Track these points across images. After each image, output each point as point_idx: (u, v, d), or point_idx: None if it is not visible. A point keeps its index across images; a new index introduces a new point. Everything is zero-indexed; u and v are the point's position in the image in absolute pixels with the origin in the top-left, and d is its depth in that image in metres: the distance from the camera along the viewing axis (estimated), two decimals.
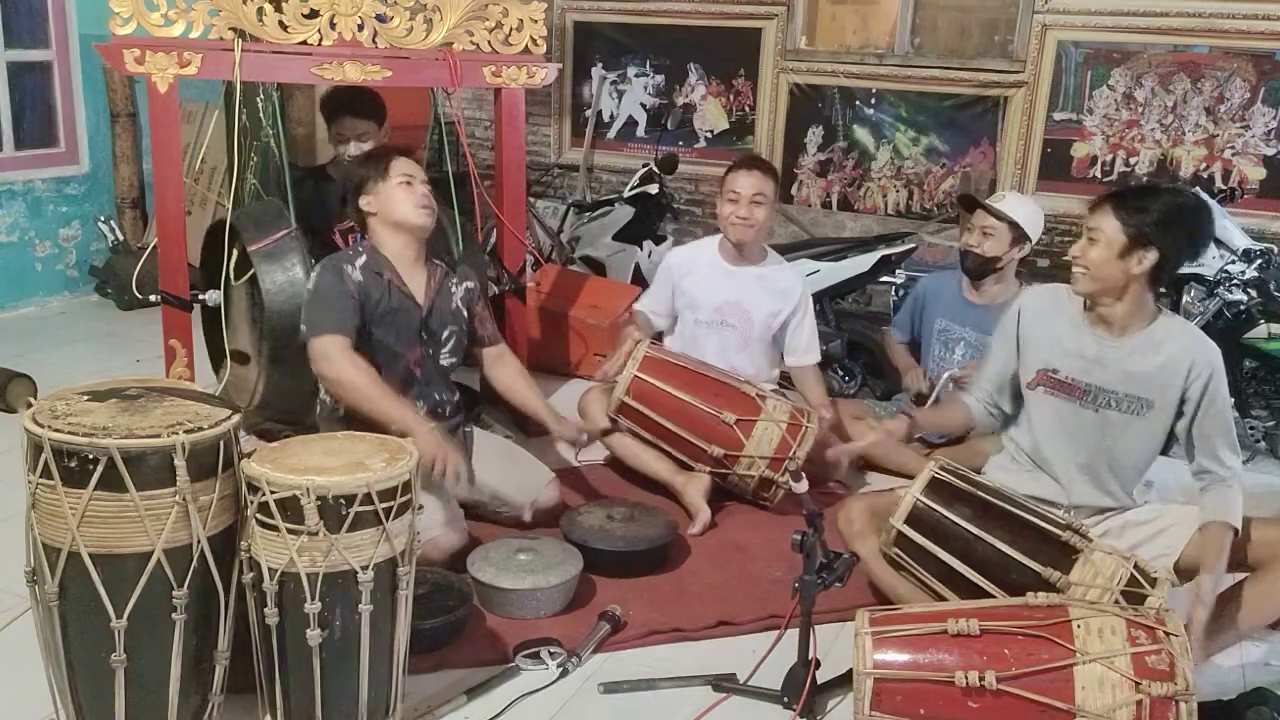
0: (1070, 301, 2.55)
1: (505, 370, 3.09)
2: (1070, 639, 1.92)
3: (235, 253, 3.22)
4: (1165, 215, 2.35)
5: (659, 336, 3.55)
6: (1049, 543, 2.29)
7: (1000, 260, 3.45)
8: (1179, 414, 2.45)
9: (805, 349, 3.47)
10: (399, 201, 2.79)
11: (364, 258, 2.80)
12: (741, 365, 3.39)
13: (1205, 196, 4.02)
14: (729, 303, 3.39)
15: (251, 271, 3.17)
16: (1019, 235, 3.42)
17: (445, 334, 2.92)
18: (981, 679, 1.89)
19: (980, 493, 2.38)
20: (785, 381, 3.65)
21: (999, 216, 3.40)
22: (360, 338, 2.71)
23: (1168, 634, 1.92)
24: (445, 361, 2.94)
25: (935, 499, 2.36)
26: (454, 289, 2.95)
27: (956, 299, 3.59)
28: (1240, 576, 2.40)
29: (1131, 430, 2.48)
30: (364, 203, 2.83)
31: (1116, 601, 2.14)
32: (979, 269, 3.48)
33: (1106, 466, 2.52)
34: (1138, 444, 2.49)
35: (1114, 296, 2.43)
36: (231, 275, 3.24)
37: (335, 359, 2.61)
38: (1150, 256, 2.36)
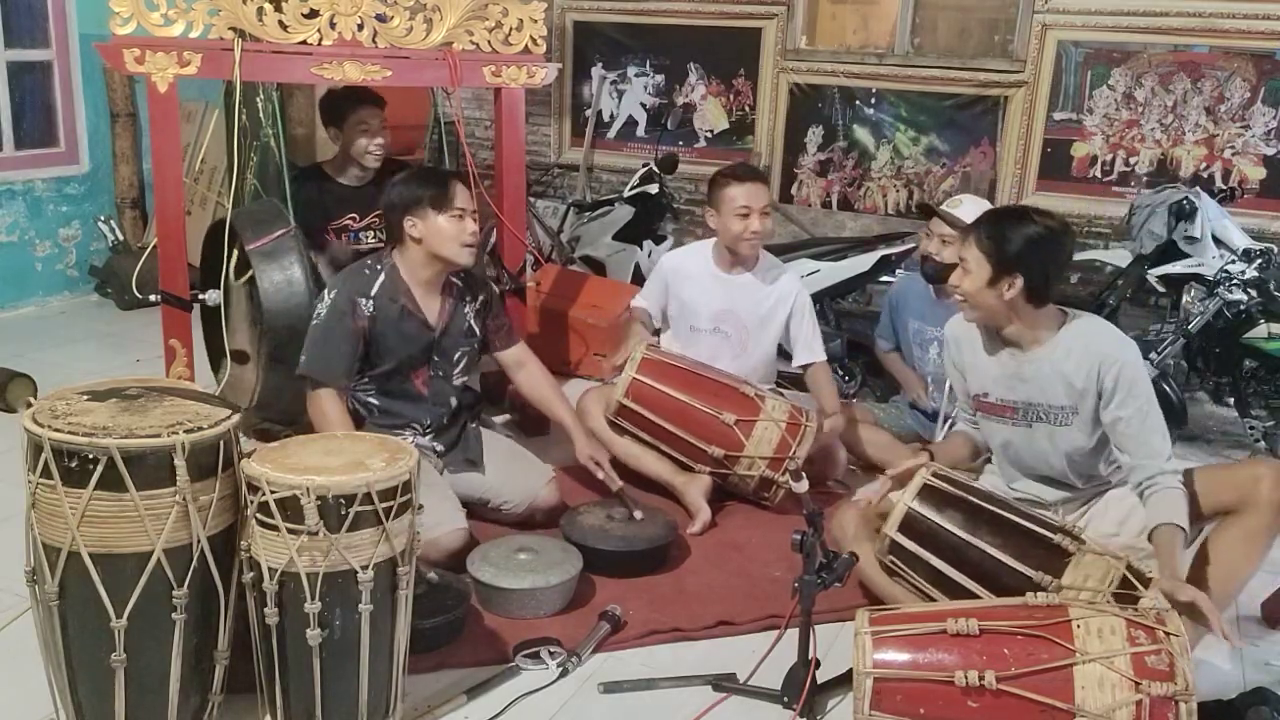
0: (981, 327, 2.56)
1: (531, 378, 3.08)
2: (1070, 639, 1.92)
3: (236, 252, 3.22)
4: (1025, 243, 2.36)
5: (655, 334, 3.55)
6: (1040, 546, 2.28)
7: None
8: (1102, 411, 2.42)
9: (808, 346, 3.44)
10: (449, 238, 2.74)
11: (380, 282, 2.76)
12: (737, 373, 3.36)
13: (1206, 196, 4.06)
14: (724, 311, 3.37)
15: (251, 271, 3.16)
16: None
17: (457, 355, 2.92)
18: (981, 679, 1.89)
19: (971, 497, 2.38)
20: (783, 381, 3.64)
21: (953, 224, 3.36)
22: (366, 360, 2.78)
23: (1168, 634, 1.92)
24: (458, 381, 2.95)
25: (927, 506, 2.36)
26: (467, 309, 2.93)
27: (924, 299, 3.58)
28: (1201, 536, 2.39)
29: (1065, 437, 2.48)
30: (409, 224, 2.74)
31: (1109, 603, 2.14)
32: (938, 275, 3.43)
33: (1062, 470, 2.53)
34: (1075, 448, 2.49)
35: (1004, 320, 2.45)
36: (232, 275, 3.24)
37: (325, 409, 2.67)
38: (1017, 283, 2.37)
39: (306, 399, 2.72)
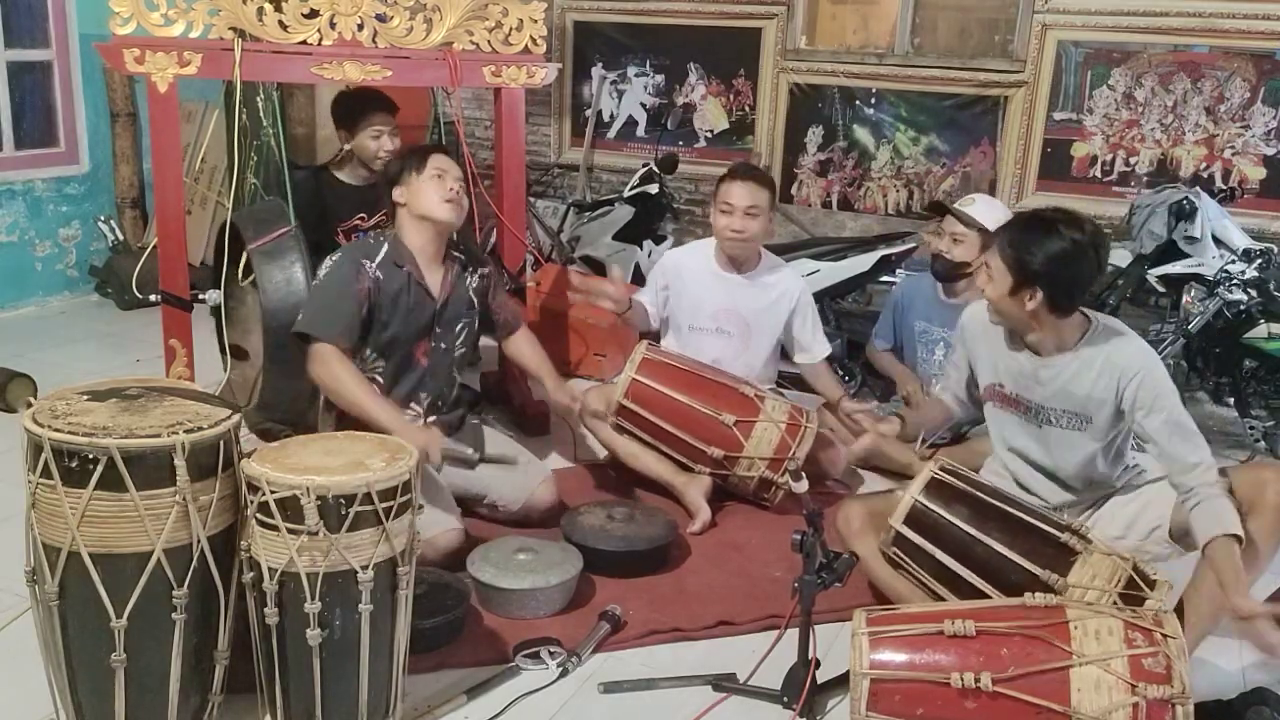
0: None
1: (519, 342, 3.13)
2: (1067, 640, 1.92)
3: (245, 255, 3.22)
4: (1047, 258, 2.31)
5: (656, 337, 3.55)
6: (1047, 544, 2.28)
7: (970, 265, 3.39)
8: (1122, 420, 2.41)
9: (811, 346, 3.45)
10: (427, 195, 2.79)
11: (385, 249, 2.80)
12: (738, 372, 3.36)
13: (1206, 196, 4.06)
14: (725, 310, 3.37)
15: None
16: (989, 240, 3.39)
17: (459, 326, 2.93)
18: (977, 680, 1.89)
19: (979, 493, 2.38)
20: (784, 381, 3.64)
21: (967, 223, 3.36)
22: (367, 329, 2.76)
23: (1165, 636, 1.91)
24: (458, 352, 2.96)
25: (934, 500, 2.36)
26: (469, 280, 2.96)
27: (932, 300, 3.57)
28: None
29: (1075, 444, 2.47)
30: (396, 194, 2.84)
31: (1114, 603, 2.14)
32: (948, 274, 3.45)
33: (1067, 473, 2.53)
34: (1085, 454, 2.48)
35: (1026, 328, 2.43)
36: (239, 276, 3.24)
37: (330, 364, 2.65)
38: (1038, 295, 2.34)
39: (310, 364, 2.68)
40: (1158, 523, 2.45)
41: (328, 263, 2.79)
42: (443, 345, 2.91)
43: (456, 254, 2.95)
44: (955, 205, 3.46)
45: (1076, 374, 2.41)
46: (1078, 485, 2.54)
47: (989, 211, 3.39)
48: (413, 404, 2.87)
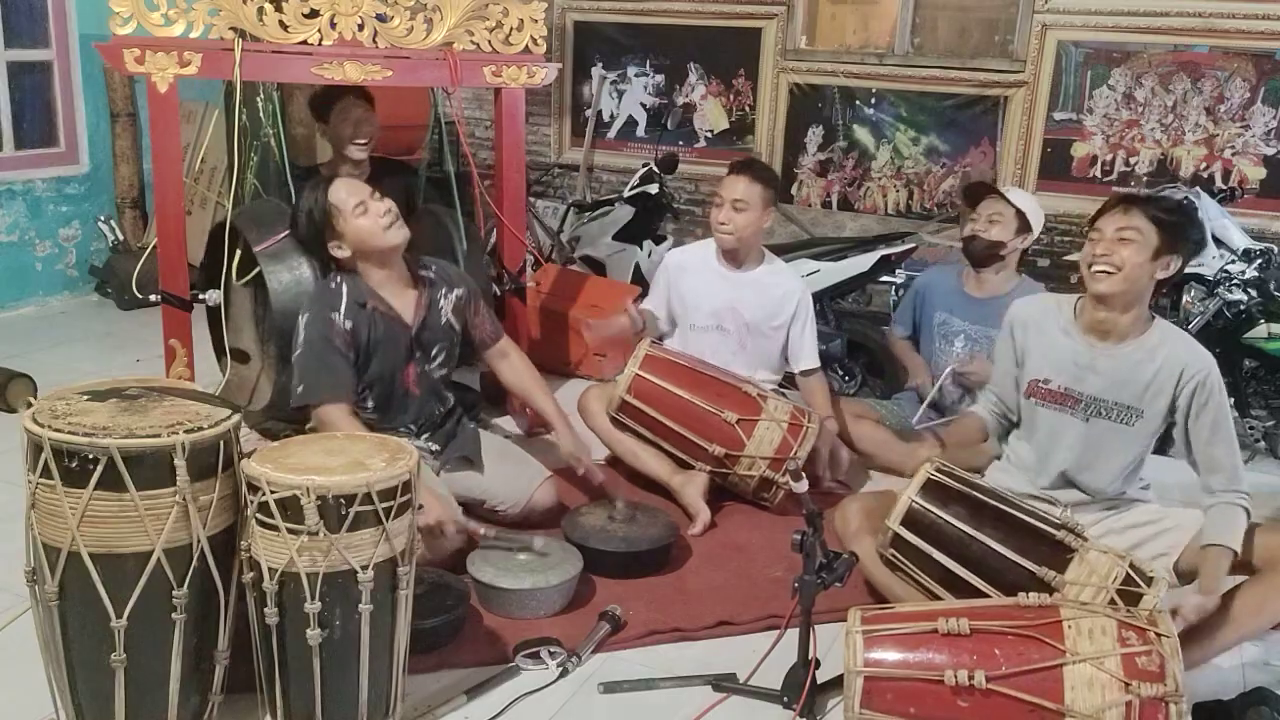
0: (1059, 310, 2.55)
1: (513, 368, 3.08)
2: (1060, 639, 1.92)
3: (239, 252, 3.22)
4: (1186, 223, 2.42)
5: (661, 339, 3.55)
6: (1044, 542, 2.29)
7: (1004, 247, 3.45)
8: (1171, 421, 2.44)
9: (806, 355, 3.45)
10: (370, 233, 2.69)
11: (346, 293, 2.70)
12: (739, 371, 3.35)
13: (1206, 196, 4.07)
14: (724, 307, 3.37)
15: (255, 271, 3.16)
16: (1023, 225, 3.44)
17: (435, 349, 2.87)
18: (971, 678, 1.89)
19: (976, 493, 2.38)
20: (786, 382, 3.64)
21: (1012, 203, 3.43)
22: (357, 369, 2.72)
23: (1159, 635, 1.91)
24: (437, 374, 2.90)
25: (930, 500, 2.36)
26: (443, 302, 2.88)
27: (956, 292, 3.59)
28: (1241, 579, 2.39)
29: (1117, 438, 2.48)
30: (335, 249, 2.71)
31: (1111, 601, 2.14)
32: (984, 254, 3.47)
33: (1091, 472, 2.53)
34: (1122, 451, 2.49)
35: (1124, 305, 2.43)
36: (234, 276, 3.24)
37: (339, 427, 2.56)
38: (1175, 262, 2.39)
39: (318, 426, 2.62)
40: (1167, 551, 2.45)
41: (299, 326, 2.69)
42: (427, 368, 2.86)
43: (427, 273, 2.88)
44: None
45: (1139, 363, 2.43)
46: (1096, 490, 2.53)
47: (1024, 198, 3.51)
48: (404, 427, 2.84)
